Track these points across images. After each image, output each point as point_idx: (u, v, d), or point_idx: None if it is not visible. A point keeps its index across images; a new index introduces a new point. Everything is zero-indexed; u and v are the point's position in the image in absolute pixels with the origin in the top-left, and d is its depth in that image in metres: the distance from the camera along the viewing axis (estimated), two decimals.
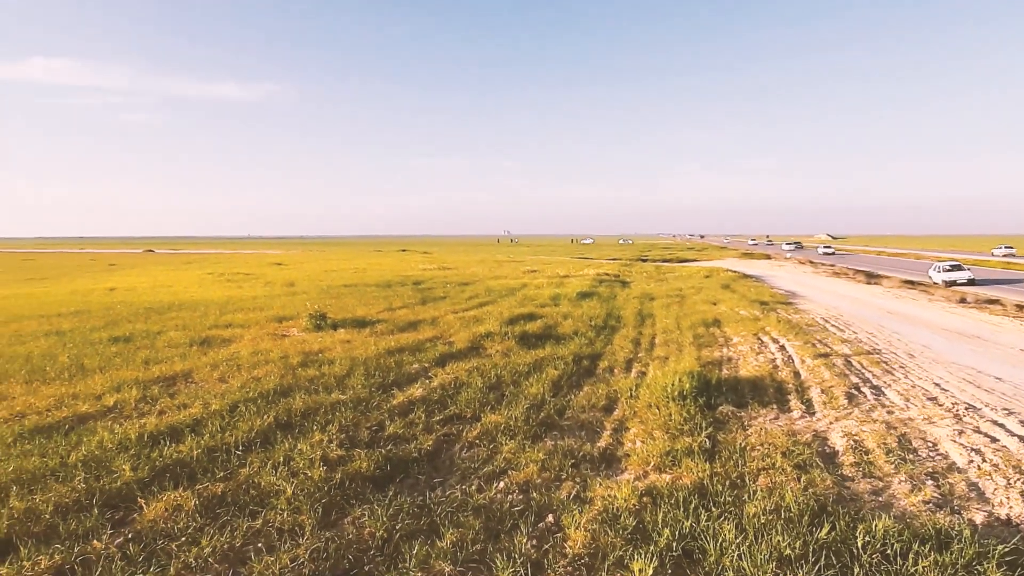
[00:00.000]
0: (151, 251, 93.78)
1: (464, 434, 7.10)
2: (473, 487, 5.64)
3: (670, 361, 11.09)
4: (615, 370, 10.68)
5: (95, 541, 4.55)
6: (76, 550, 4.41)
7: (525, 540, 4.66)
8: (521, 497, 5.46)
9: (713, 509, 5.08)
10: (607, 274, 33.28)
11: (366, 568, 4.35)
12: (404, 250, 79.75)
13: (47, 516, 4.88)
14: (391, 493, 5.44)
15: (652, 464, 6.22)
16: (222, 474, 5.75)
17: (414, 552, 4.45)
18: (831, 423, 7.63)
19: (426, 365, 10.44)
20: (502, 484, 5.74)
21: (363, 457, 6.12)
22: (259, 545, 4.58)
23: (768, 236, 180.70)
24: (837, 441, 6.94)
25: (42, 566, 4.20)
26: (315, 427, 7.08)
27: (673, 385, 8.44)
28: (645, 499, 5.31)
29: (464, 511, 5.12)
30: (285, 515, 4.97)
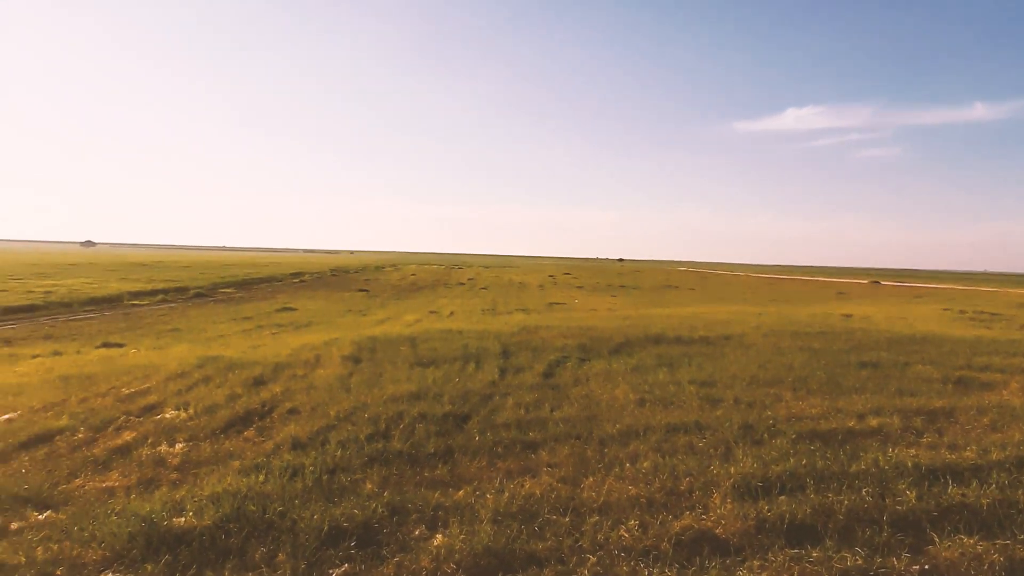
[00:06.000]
0: (877, 282, 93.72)
1: None
2: None
3: None
4: None
5: (893, 558, 4.60)
6: (877, 560, 4.55)
7: None
8: None
9: None
10: None
11: None
12: None
13: (840, 516, 5.22)
14: None
15: None
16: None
17: None
18: None
19: None
20: None
21: None
22: None
23: None
24: None
25: (848, 564, 4.49)
26: None
27: None
28: None
29: None
30: None
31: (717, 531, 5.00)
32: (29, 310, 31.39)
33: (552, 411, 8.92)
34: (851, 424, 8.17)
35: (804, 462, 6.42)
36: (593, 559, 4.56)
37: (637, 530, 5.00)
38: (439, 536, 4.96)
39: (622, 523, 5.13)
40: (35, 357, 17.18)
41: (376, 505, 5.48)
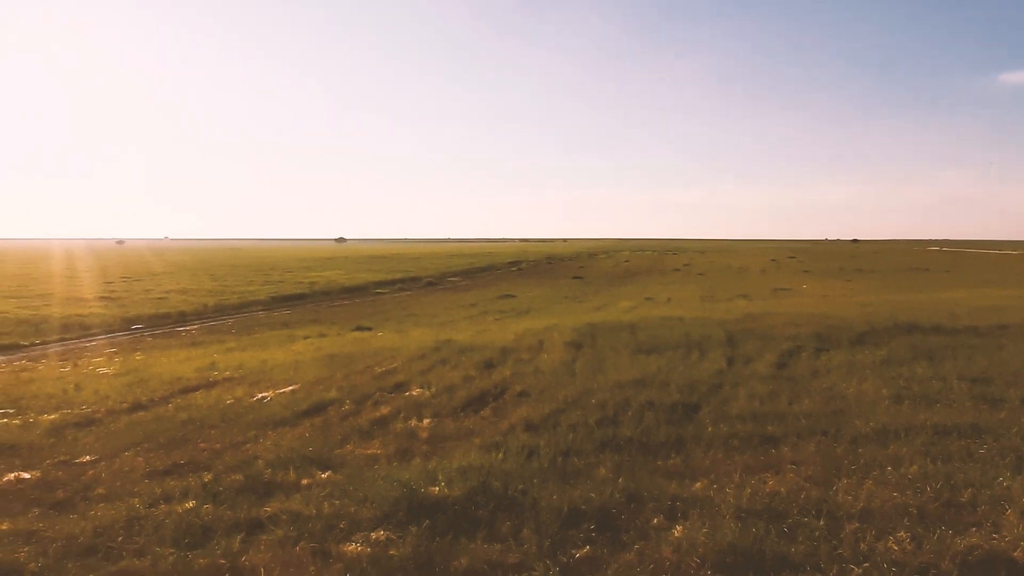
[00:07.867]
0: None
1: None
2: None
3: None
4: None
5: None
6: None
7: None
8: None
9: None
10: None
11: None
12: None
13: None
14: None
15: None
16: None
17: None
18: None
19: None
20: None
21: None
22: None
23: None
24: None
25: None
26: None
27: None
28: None
29: None
30: None
31: (1015, 554, 4.24)
32: (300, 298, 37.07)
33: (790, 404, 8.29)
34: None
35: None
36: (858, 570, 4.11)
37: (909, 543, 4.42)
38: (679, 527, 4.83)
39: (889, 533, 4.57)
40: (306, 338, 20.09)
41: (612, 491, 5.50)
